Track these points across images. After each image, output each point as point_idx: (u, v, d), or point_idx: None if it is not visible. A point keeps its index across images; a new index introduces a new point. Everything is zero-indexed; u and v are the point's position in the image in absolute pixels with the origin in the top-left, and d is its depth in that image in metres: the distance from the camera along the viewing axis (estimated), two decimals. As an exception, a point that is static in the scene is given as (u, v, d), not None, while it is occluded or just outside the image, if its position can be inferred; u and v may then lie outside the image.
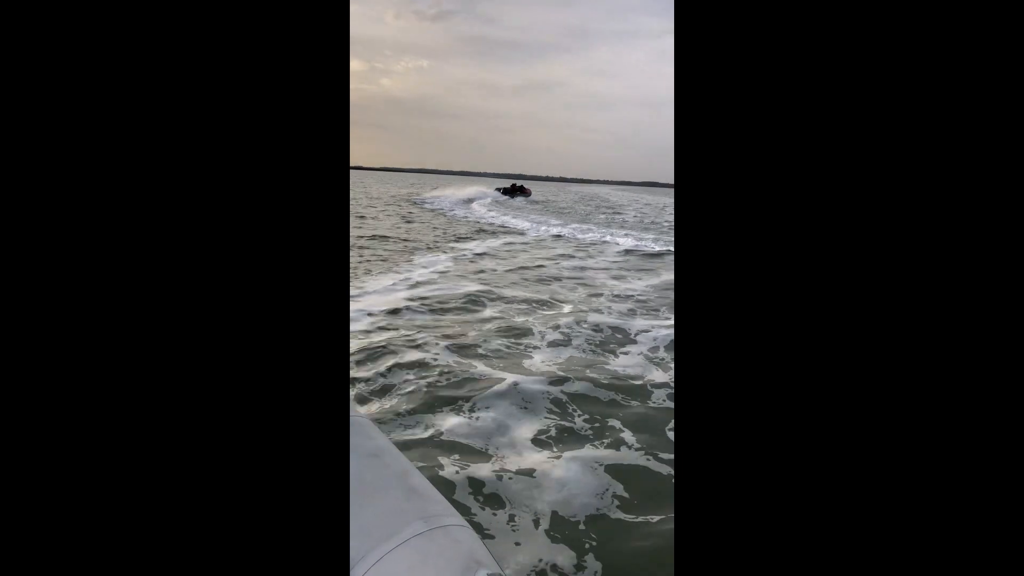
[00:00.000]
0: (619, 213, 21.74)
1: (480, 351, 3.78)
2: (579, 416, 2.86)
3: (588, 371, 3.49)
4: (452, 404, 2.89)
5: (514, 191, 34.27)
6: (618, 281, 6.76)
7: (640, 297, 5.81)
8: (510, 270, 7.20)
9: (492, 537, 1.92)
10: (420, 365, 3.42)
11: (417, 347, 3.76)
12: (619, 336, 4.36)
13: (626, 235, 12.44)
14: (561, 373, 3.42)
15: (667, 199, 44.92)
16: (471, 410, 2.84)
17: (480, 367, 3.47)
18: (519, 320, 4.66)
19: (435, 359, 3.55)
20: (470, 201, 23.50)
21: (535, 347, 3.94)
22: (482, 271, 6.98)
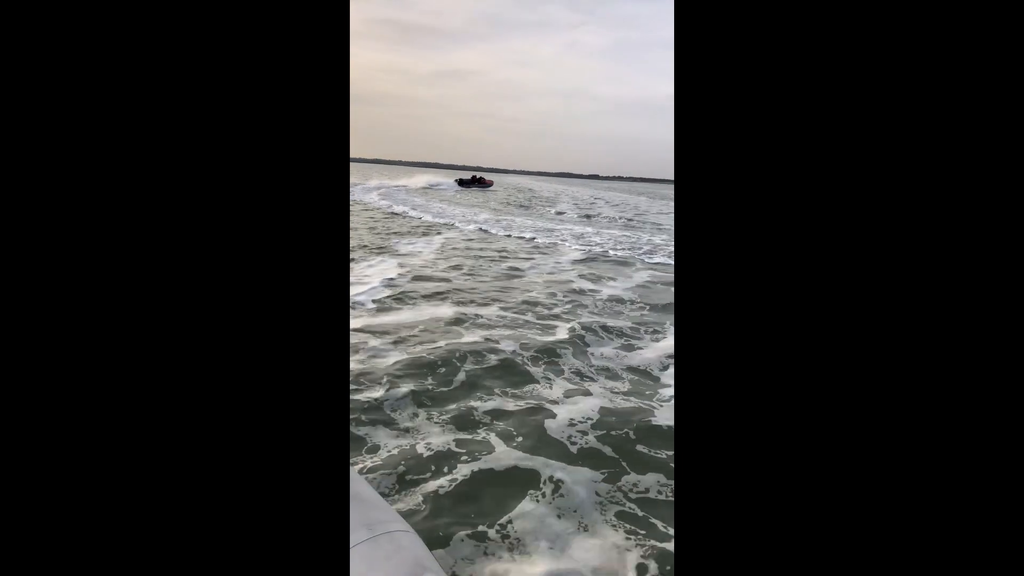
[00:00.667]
0: (561, 212, 21.05)
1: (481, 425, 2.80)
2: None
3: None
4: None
5: (472, 183, 32.47)
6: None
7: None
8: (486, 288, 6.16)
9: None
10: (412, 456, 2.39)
11: (404, 430, 2.72)
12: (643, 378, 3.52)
13: (594, 232, 11.57)
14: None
15: (588, 191, 44.97)
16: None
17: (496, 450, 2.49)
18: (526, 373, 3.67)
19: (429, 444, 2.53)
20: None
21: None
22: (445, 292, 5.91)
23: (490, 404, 2.95)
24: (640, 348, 4.08)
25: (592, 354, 3.89)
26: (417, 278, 6.10)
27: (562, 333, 4.33)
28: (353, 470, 0.87)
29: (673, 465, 2.41)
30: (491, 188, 32.93)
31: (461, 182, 32.47)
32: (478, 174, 36.67)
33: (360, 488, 0.83)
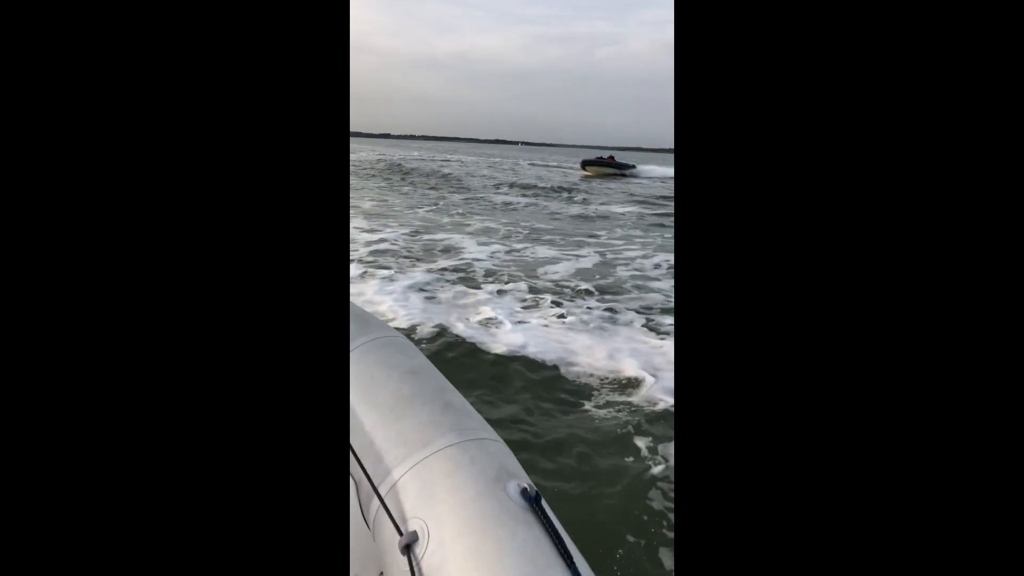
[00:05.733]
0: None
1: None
2: None
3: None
4: None
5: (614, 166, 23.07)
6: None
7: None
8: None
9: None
10: None
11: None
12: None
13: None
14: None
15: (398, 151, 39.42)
16: None
17: None
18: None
19: None
20: None
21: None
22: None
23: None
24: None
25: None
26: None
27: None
28: (447, 381, 0.90)
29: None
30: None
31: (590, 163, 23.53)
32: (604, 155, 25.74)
33: (452, 398, 0.86)
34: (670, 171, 25.16)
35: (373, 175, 17.30)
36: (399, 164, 23.28)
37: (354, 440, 0.78)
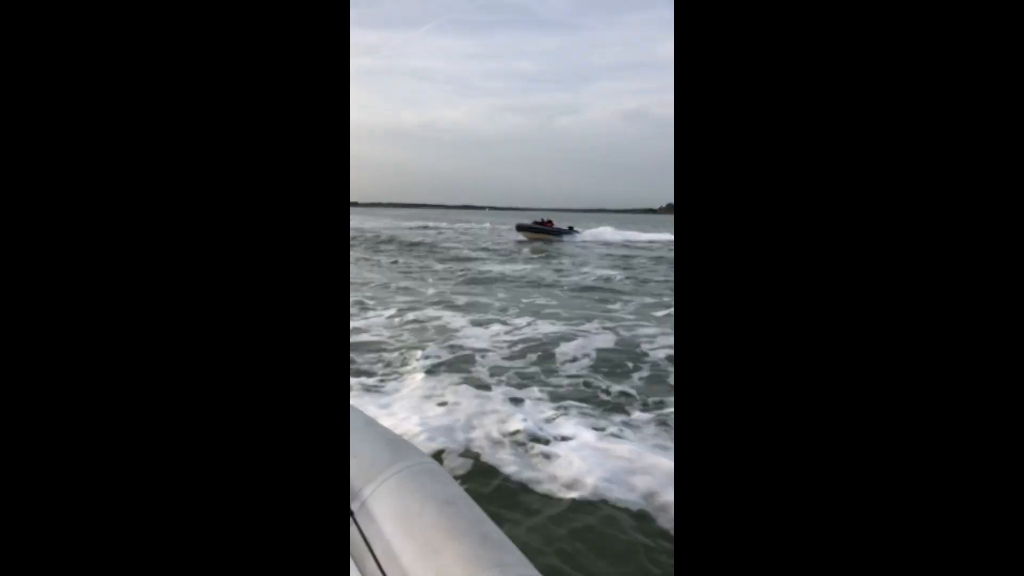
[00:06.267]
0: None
1: None
2: None
3: None
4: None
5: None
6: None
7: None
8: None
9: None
10: None
11: None
12: None
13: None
14: None
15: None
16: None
17: None
18: None
19: None
20: None
21: None
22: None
23: None
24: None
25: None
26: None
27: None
28: (483, 512, 0.82)
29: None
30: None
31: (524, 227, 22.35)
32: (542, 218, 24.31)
33: (489, 529, 0.80)
34: (617, 234, 26.09)
35: (352, 246, 16.81)
36: (376, 234, 22.79)
37: (394, 574, 0.72)
